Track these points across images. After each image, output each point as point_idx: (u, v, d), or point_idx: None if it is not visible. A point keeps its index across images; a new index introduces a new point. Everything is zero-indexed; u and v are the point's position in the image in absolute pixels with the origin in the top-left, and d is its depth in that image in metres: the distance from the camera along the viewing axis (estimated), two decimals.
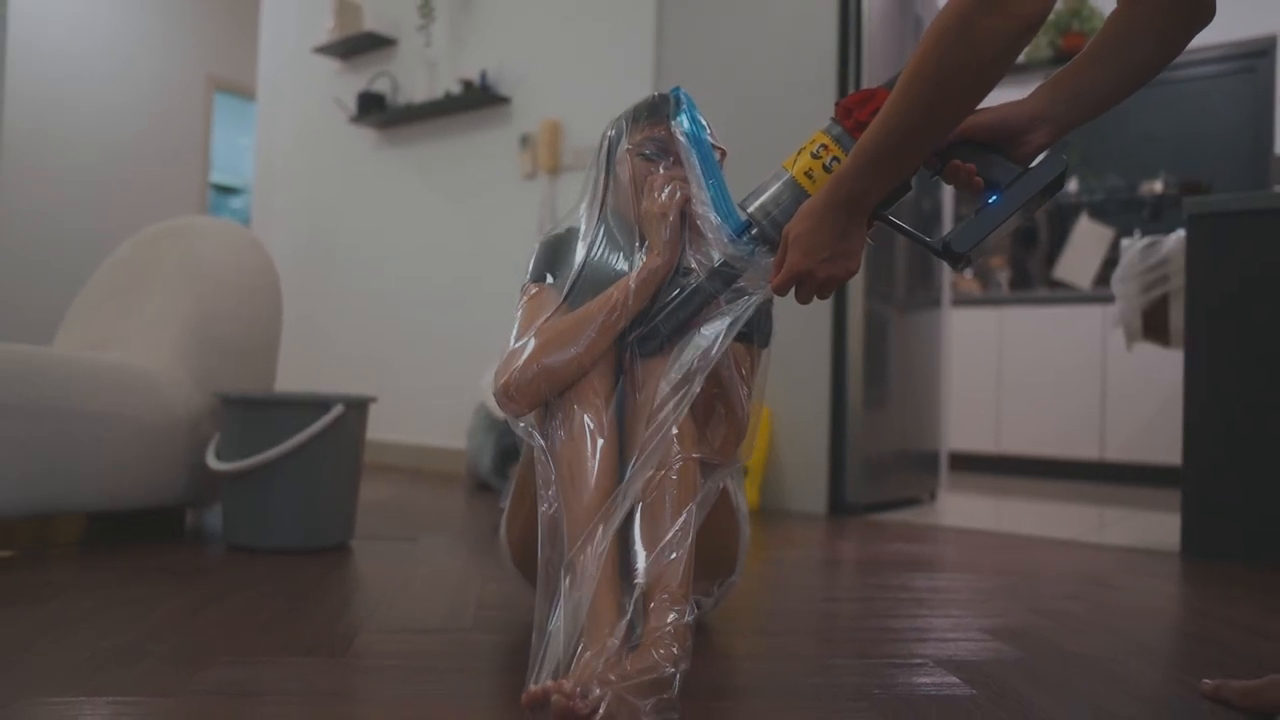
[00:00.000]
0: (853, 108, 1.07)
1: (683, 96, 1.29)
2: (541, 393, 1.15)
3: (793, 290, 1.07)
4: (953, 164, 1.03)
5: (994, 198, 1.01)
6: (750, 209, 1.12)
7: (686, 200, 1.20)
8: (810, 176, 1.09)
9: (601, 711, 0.86)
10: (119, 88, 5.51)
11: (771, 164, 1.17)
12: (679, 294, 1.17)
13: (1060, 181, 1.01)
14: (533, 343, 1.16)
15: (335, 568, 1.80)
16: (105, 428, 1.93)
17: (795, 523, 2.65)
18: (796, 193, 1.09)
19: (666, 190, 1.22)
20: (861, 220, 1.02)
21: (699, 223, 1.17)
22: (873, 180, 0.98)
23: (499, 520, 1.42)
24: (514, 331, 1.23)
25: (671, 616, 1.00)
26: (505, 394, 1.16)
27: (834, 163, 1.07)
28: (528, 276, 1.32)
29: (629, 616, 1.01)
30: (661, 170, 1.27)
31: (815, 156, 1.08)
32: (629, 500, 1.07)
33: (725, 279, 1.15)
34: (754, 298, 1.15)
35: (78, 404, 1.90)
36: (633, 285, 1.18)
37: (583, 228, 1.32)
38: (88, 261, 4.94)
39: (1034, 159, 1.03)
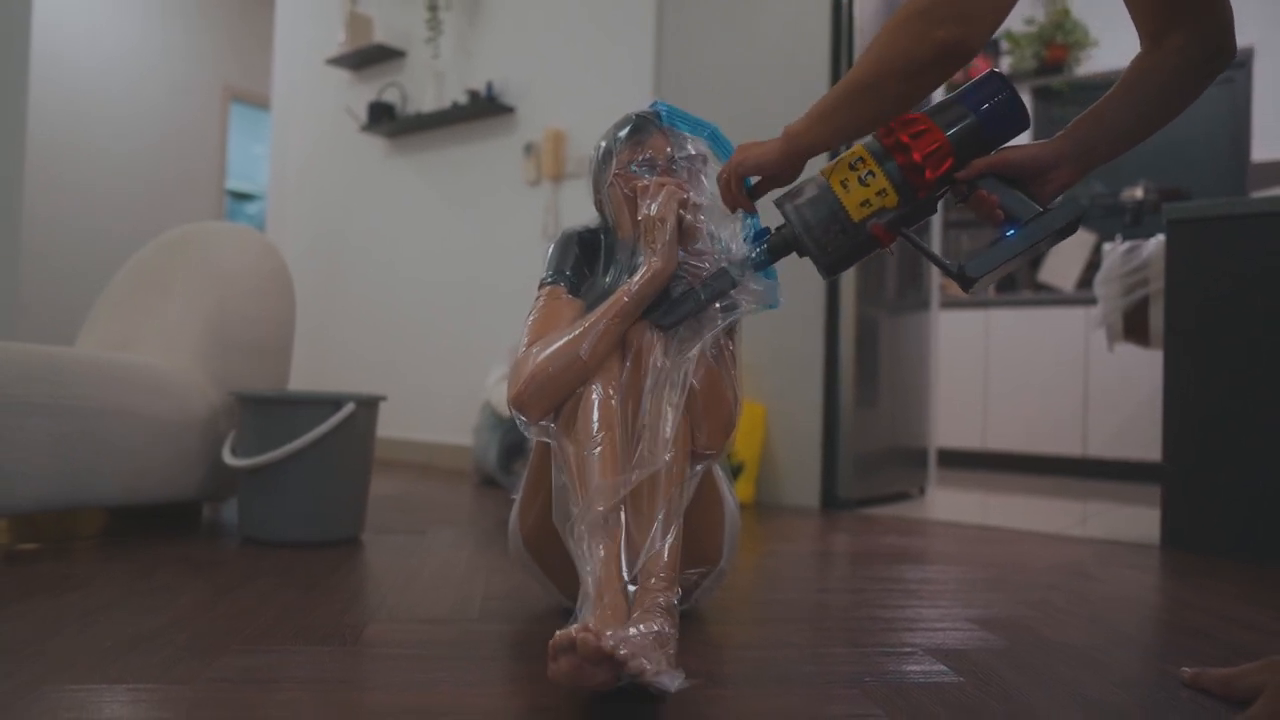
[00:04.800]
0: (895, 127, 1.10)
1: (663, 110, 1.32)
2: (552, 402, 1.19)
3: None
4: (979, 194, 1.08)
5: (1011, 231, 1.06)
6: (785, 208, 1.16)
7: (683, 204, 1.23)
8: (845, 186, 1.12)
9: (624, 650, 0.89)
10: (139, 98, 5.55)
11: None
12: (679, 291, 1.21)
13: (1074, 225, 1.06)
14: (541, 354, 1.20)
15: (346, 560, 1.82)
16: (126, 425, 1.96)
17: (789, 517, 2.68)
18: (830, 199, 1.12)
19: (663, 195, 1.24)
20: (792, 152, 1.13)
21: (699, 226, 1.21)
22: (810, 129, 1.10)
23: (507, 514, 1.45)
24: (525, 334, 1.27)
25: (658, 598, 1.06)
26: (517, 406, 1.20)
27: (869, 176, 1.10)
28: (546, 271, 1.36)
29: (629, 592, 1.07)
30: (650, 181, 1.29)
31: (852, 168, 1.12)
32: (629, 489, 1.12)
33: (721, 286, 1.18)
34: (743, 310, 1.20)
35: (100, 403, 1.92)
36: (634, 291, 1.21)
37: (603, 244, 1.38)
38: (109, 265, 4.94)
39: (1055, 196, 1.08)
